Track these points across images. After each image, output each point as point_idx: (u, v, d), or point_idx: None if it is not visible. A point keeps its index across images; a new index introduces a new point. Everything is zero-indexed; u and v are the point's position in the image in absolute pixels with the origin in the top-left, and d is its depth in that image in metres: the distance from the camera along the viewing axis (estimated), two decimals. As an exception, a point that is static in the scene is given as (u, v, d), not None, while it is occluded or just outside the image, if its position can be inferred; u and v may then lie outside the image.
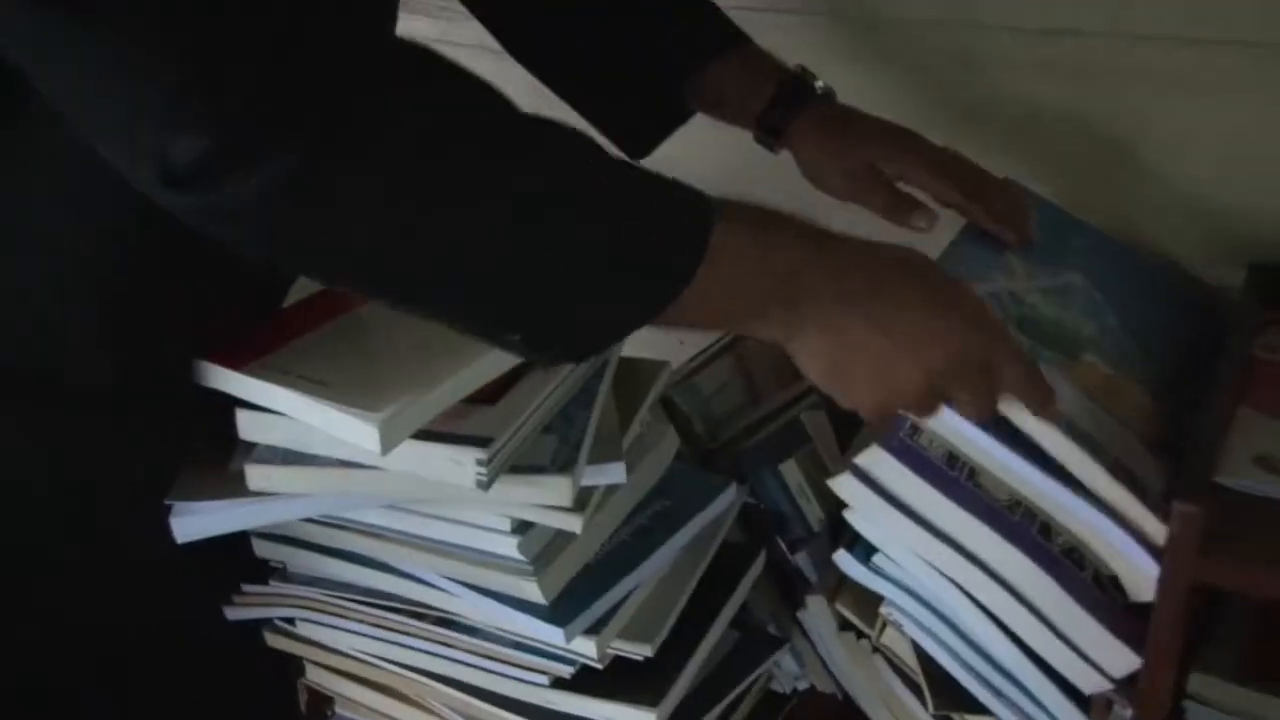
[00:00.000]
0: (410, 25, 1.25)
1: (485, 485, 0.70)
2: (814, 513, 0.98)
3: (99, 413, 0.72)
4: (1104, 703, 0.76)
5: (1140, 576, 0.72)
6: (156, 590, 0.79)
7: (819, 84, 0.90)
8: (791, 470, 0.99)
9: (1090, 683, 0.74)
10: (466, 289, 0.61)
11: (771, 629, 0.96)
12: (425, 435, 0.70)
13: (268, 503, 0.76)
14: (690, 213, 0.62)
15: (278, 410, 0.72)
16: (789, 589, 0.98)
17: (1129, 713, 0.75)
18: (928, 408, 0.68)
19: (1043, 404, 0.69)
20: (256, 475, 0.75)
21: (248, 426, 0.75)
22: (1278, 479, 0.68)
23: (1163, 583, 0.64)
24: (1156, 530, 0.70)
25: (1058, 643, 0.74)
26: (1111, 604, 0.74)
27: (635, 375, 0.89)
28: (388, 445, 0.68)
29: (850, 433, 0.97)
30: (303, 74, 0.52)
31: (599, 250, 0.61)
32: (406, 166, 0.55)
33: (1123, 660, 0.73)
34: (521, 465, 0.73)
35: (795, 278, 0.65)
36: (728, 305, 0.65)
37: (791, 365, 1.16)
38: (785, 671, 0.99)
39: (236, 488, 0.75)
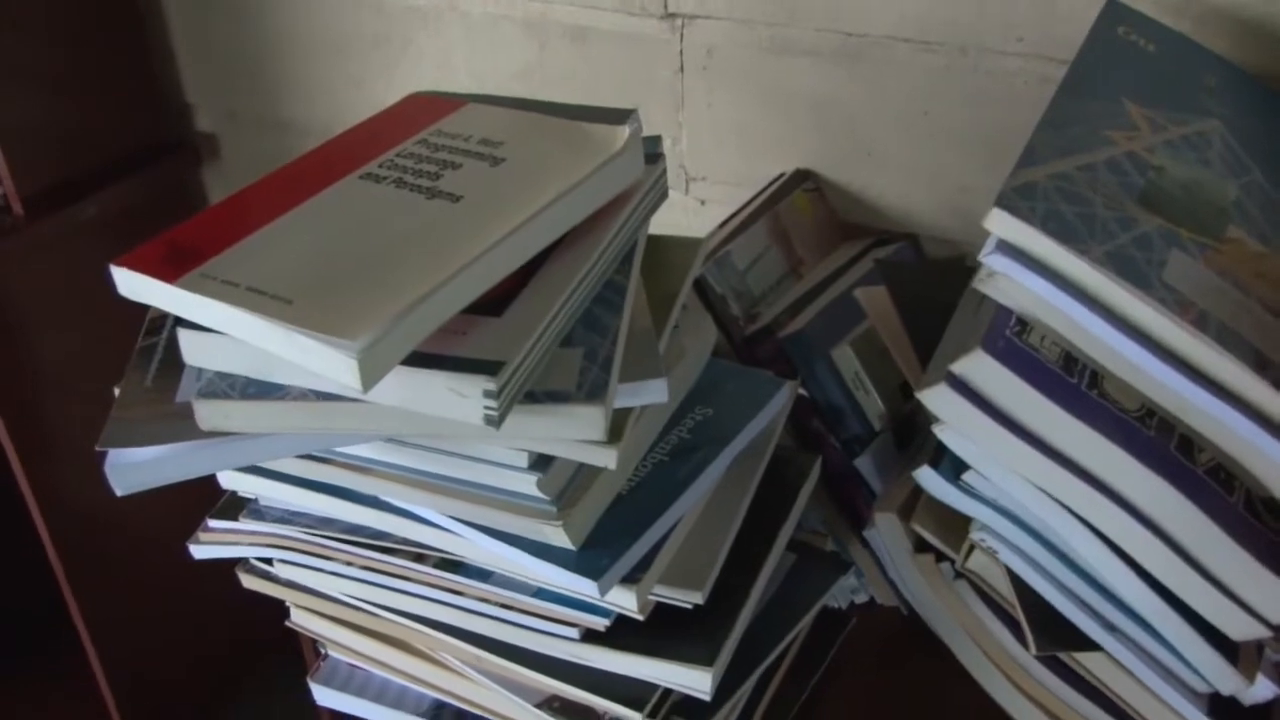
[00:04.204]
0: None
1: (496, 421, 0.55)
2: (873, 407, 0.84)
3: None
4: (1253, 645, 0.64)
5: (1309, 503, 0.59)
6: None
7: None
8: (845, 357, 0.85)
9: (1241, 628, 0.61)
10: None
11: (829, 543, 0.83)
12: (418, 360, 0.55)
13: (224, 445, 0.61)
14: None
15: (226, 332, 0.56)
16: (847, 496, 0.85)
17: (1281, 656, 0.63)
18: None
19: None
20: (208, 412, 0.60)
21: (193, 350, 0.60)
22: None
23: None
24: (1336, 449, 0.57)
25: (1201, 581, 0.61)
26: (1269, 535, 0.60)
27: (666, 259, 0.73)
28: (370, 379, 0.52)
29: (914, 309, 0.82)
30: None
31: None
32: None
33: (1283, 602, 0.60)
34: (539, 391, 0.58)
35: None
36: None
37: (834, 227, 1.00)
38: (842, 586, 0.86)
39: (184, 427, 0.60)
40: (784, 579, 0.77)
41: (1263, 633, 0.60)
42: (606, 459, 0.60)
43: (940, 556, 0.74)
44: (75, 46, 1.16)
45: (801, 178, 0.99)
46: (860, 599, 0.88)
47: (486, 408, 0.55)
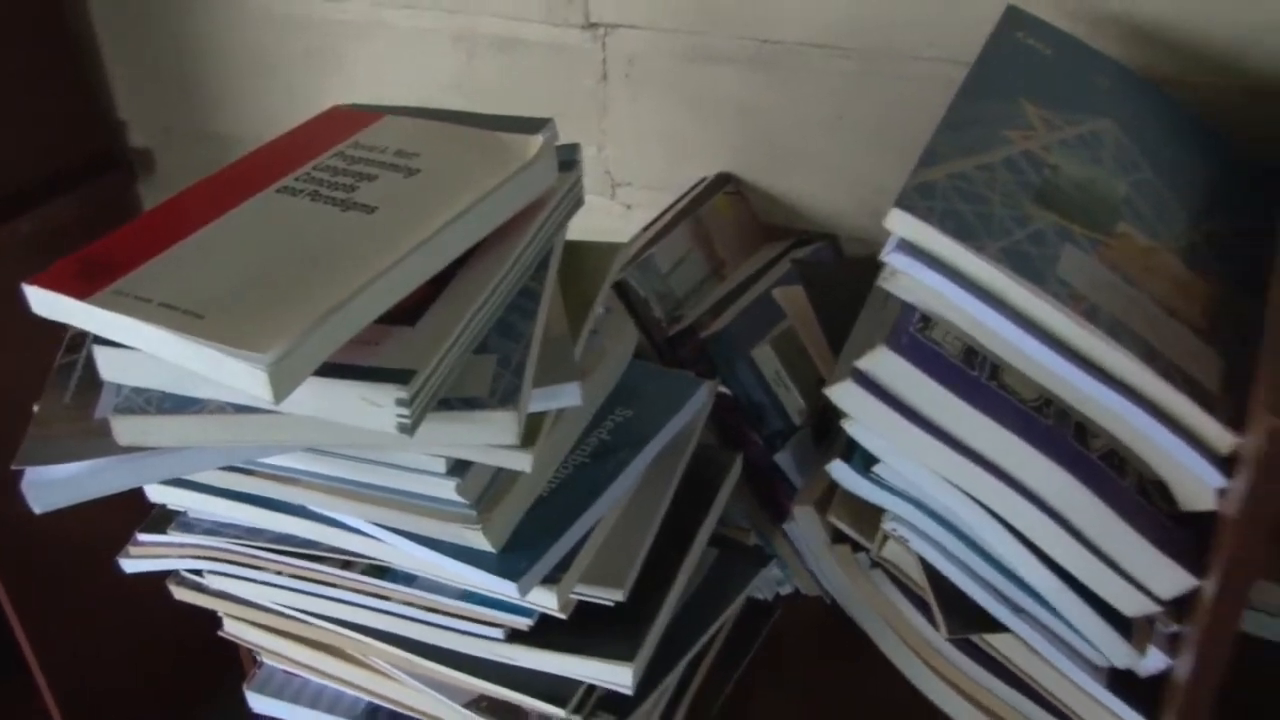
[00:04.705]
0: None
1: (410, 429, 0.56)
2: (793, 403, 0.86)
3: None
4: (1144, 620, 0.66)
5: (1195, 485, 0.61)
6: None
7: None
8: (766, 355, 0.87)
9: (1134, 605, 0.64)
10: None
11: (752, 537, 0.85)
12: (331, 370, 0.56)
13: (143, 460, 0.62)
14: None
15: (139, 348, 0.57)
16: (768, 490, 0.87)
17: (1172, 628, 0.66)
18: None
19: None
20: (125, 427, 0.61)
21: (108, 366, 0.61)
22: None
23: (1247, 504, 0.53)
24: (1218, 434, 0.59)
25: (1096, 562, 0.63)
26: (1158, 516, 0.63)
27: (585, 264, 0.75)
28: (281, 391, 0.54)
29: (831, 307, 0.85)
30: None
31: None
32: None
33: (1173, 579, 0.62)
34: (453, 398, 0.59)
35: None
36: None
37: (755, 229, 1.02)
38: (767, 578, 0.88)
39: (103, 443, 0.61)
40: (707, 574, 0.79)
41: (1153, 608, 0.63)
42: (521, 463, 0.62)
43: (856, 547, 0.77)
44: (4, 64, 1.16)
45: (723, 181, 1.01)
46: (785, 590, 0.91)
47: (399, 416, 0.56)
